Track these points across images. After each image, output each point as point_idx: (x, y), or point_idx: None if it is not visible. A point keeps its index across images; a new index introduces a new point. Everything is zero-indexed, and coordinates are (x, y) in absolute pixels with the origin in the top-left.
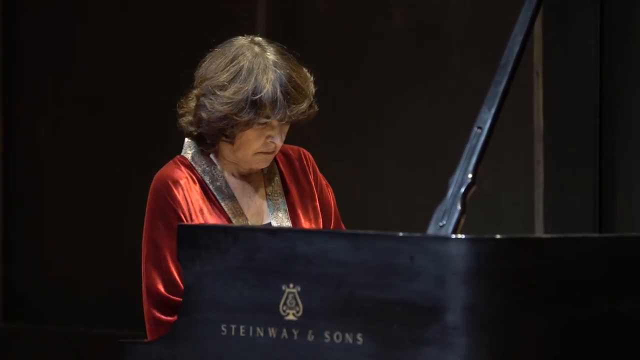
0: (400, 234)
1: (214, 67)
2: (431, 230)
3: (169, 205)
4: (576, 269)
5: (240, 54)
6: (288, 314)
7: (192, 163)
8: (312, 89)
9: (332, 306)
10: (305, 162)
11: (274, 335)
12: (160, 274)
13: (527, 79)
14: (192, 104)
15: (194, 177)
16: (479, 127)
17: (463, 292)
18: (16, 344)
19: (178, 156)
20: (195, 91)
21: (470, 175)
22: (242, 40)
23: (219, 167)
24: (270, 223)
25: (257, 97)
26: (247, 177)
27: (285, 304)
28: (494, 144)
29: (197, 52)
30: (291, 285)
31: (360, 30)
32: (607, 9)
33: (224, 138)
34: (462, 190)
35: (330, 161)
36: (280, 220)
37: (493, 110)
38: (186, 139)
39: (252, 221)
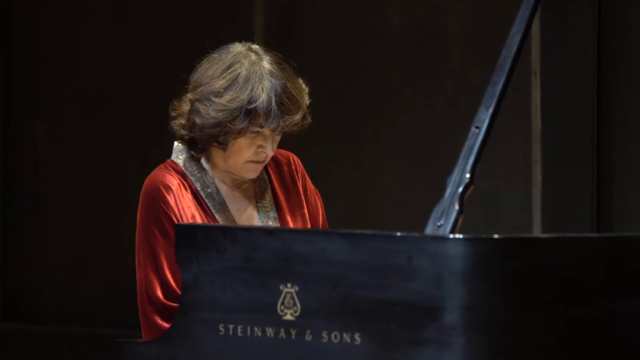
0: (398, 234)
1: (211, 73)
2: (429, 230)
3: (162, 210)
4: (574, 269)
5: (237, 61)
6: (286, 313)
7: (184, 169)
8: (306, 100)
9: (330, 306)
10: (294, 168)
11: (272, 335)
12: (159, 281)
13: (525, 79)
14: (186, 108)
15: (186, 183)
16: (477, 127)
17: (461, 292)
18: (15, 344)
19: (169, 160)
20: (189, 95)
21: (468, 175)
22: (239, 47)
23: (210, 174)
24: None
25: (252, 106)
26: (237, 185)
27: (283, 303)
28: (492, 144)
29: (196, 52)
30: (289, 285)
31: (359, 31)
32: (604, 9)
33: (215, 144)
34: (460, 190)
35: (328, 161)
36: None
37: (491, 110)
38: (176, 143)
39: None
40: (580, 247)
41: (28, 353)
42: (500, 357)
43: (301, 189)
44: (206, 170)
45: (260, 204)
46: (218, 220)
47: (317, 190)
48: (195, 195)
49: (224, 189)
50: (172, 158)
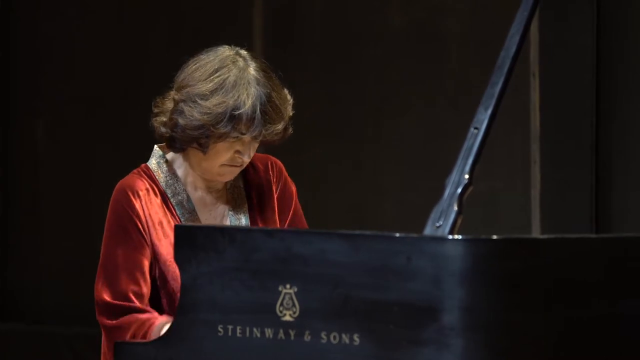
0: (397, 234)
1: (198, 74)
2: (428, 230)
3: (127, 214)
4: (573, 270)
5: (225, 65)
6: (285, 314)
7: (156, 174)
8: (289, 111)
9: (329, 307)
10: (271, 173)
11: (271, 336)
12: (107, 284)
13: (524, 80)
14: (169, 106)
15: (155, 189)
16: (476, 128)
17: (460, 292)
18: (15, 344)
19: (143, 165)
20: (174, 95)
21: (467, 176)
22: (227, 52)
23: (182, 180)
24: None
25: (237, 112)
26: (209, 191)
27: (282, 304)
28: (491, 144)
29: (196, 52)
30: (288, 286)
31: (359, 31)
32: (604, 9)
33: (195, 145)
34: (459, 190)
35: (328, 161)
36: None
37: (490, 111)
38: (156, 147)
39: None
40: (580, 247)
41: (28, 353)
42: (499, 357)
43: (276, 194)
44: (179, 177)
45: (232, 211)
46: None
47: (293, 183)
48: (165, 201)
49: (195, 195)
50: (147, 163)
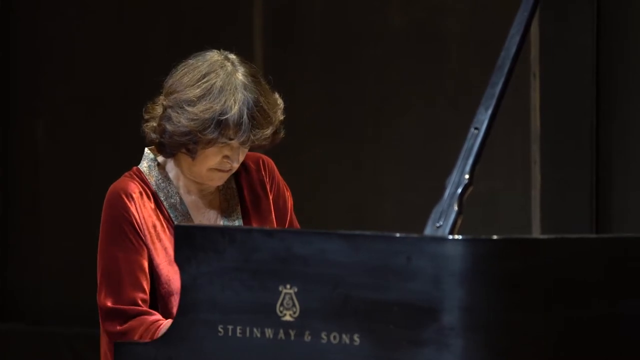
0: (397, 234)
1: (186, 80)
2: (428, 231)
3: (123, 217)
4: (573, 270)
5: (212, 70)
6: (285, 314)
7: (148, 177)
8: (279, 115)
9: (329, 307)
10: (263, 172)
11: (271, 336)
12: (112, 290)
13: (524, 80)
14: (158, 111)
15: (149, 192)
16: (476, 128)
17: (460, 292)
18: (15, 344)
19: (135, 168)
20: (163, 101)
21: (467, 176)
22: (215, 56)
23: (174, 183)
24: None
25: (223, 117)
26: (202, 194)
27: (282, 304)
28: (491, 145)
29: (196, 52)
30: (288, 286)
31: (359, 31)
32: (604, 9)
33: (184, 151)
34: (459, 191)
35: (328, 161)
36: None
37: (490, 111)
38: (146, 150)
39: None
40: (580, 247)
41: (28, 353)
42: (499, 357)
43: (270, 194)
44: (171, 180)
45: (225, 214)
46: None
47: (287, 187)
48: (158, 204)
49: (188, 199)
50: (139, 166)
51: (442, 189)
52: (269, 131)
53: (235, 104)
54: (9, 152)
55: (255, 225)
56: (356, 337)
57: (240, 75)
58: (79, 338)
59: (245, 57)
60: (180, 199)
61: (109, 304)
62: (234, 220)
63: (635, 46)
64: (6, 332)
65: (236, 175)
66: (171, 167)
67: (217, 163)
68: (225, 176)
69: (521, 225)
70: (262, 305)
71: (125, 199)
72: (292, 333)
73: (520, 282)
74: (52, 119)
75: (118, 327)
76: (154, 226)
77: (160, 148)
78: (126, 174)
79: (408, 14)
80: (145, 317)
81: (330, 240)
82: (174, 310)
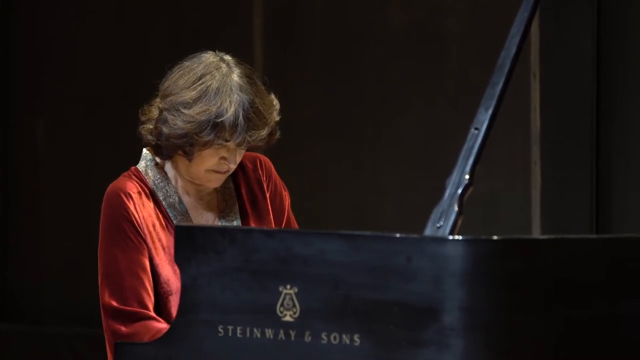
0: (398, 235)
1: (181, 82)
2: (428, 231)
3: (122, 216)
4: (574, 270)
5: (208, 72)
6: (285, 315)
7: (146, 177)
8: (275, 116)
9: (329, 307)
10: (260, 171)
11: (271, 337)
12: (115, 291)
13: (524, 80)
14: (155, 113)
15: (147, 192)
16: (476, 128)
17: (460, 293)
18: (15, 344)
19: (133, 168)
20: (159, 103)
21: (467, 177)
22: (211, 58)
23: (172, 183)
24: None
25: (219, 119)
26: (200, 196)
27: (282, 305)
28: (491, 145)
29: (196, 52)
30: (288, 287)
31: (359, 31)
32: (604, 9)
33: (180, 153)
34: (460, 191)
35: (328, 161)
36: None
37: (490, 112)
38: (145, 150)
39: None
40: (580, 247)
41: (28, 353)
42: (500, 357)
43: (268, 193)
44: (169, 180)
45: (223, 214)
46: None
47: (285, 187)
48: (157, 204)
49: (187, 199)
50: (137, 166)
51: (442, 189)
52: (264, 132)
53: (231, 105)
54: (9, 152)
55: (253, 225)
56: (356, 338)
57: (235, 76)
58: (79, 338)
59: (246, 57)
60: (179, 198)
61: (115, 303)
62: (232, 221)
63: (635, 46)
64: (6, 332)
65: (234, 176)
66: (169, 168)
67: (214, 164)
68: (222, 177)
69: (521, 226)
70: (262, 306)
71: (124, 198)
72: (292, 333)
73: (520, 283)
74: (52, 119)
75: (123, 329)
76: (153, 225)
77: (157, 150)
78: (124, 173)
79: (408, 14)
80: (152, 323)
81: (331, 241)
82: (173, 309)
